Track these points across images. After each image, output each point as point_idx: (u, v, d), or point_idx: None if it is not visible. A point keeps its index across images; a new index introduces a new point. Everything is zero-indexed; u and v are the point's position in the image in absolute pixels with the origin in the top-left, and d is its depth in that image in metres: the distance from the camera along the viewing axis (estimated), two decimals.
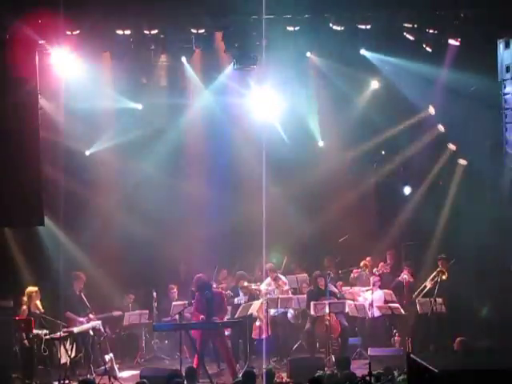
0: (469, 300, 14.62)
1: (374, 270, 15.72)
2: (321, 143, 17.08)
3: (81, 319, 13.94)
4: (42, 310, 13.50)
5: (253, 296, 14.62)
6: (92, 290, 14.71)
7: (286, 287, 15.14)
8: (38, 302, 13.53)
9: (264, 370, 11.69)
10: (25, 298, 13.44)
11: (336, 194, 17.02)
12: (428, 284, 14.62)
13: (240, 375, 11.84)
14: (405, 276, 15.25)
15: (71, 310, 13.98)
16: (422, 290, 14.61)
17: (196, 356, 12.89)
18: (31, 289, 13.60)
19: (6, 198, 11.98)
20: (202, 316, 13.08)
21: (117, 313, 15.12)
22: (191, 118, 16.43)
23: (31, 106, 12.10)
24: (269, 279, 15.11)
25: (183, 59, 14.71)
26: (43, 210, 12.36)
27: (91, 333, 13.73)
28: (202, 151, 16.76)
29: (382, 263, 16.01)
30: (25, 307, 13.38)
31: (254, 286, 14.87)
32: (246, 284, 14.80)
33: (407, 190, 16.95)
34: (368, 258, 16.01)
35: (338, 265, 16.54)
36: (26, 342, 12.96)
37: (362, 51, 14.61)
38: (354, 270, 15.95)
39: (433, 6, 13.47)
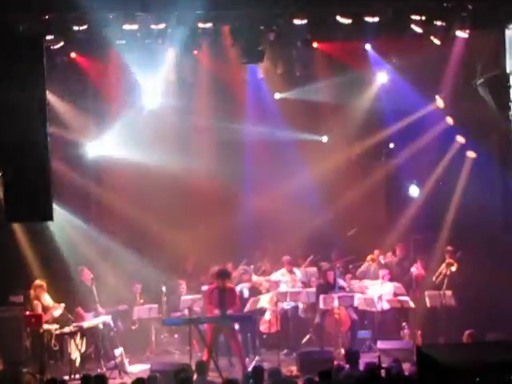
0: (479, 292, 14.62)
1: (381, 257, 15.75)
2: (325, 139, 17.18)
3: (89, 316, 13.96)
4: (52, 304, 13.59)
5: (257, 289, 14.65)
6: (101, 284, 14.75)
7: (299, 284, 15.21)
8: (47, 296, 13.58)
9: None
10: (33, 292, 13.49)
11: (345, 187, 17.01)
12: (439, 274, 14.69)
13: (249, 369, 11.86)
14: (413, 269, 15.25)
15: (82, 305, 14.00)
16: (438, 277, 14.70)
17: (206, 350, 12.90)
18: (39, 282, 13.64)
19: (15, 193, 11.99)
20: (216, 311, 13.08)
21: (122, 306, 15.11)
22: (200, 111, 16.45)
23: (39, 102, 12.11)
24: (284, 270, 15.19)
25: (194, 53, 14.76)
26: (52, 205, 12.37)
27: (101, 327, 13.78)
28: (209, 144, 16.77)
29: (389, 253, 16.04)
30: (36, 302, 13.42)
31: (260, 279, 14.95)
32: (254, 278, 14.84)
33: (415, 191, 16.82)
34: (376, 252, 16.00)
35: (347, 259, 16.54)
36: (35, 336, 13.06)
37: (369, 44, 14.60)
38: (362, 267, 15.95)
39: None
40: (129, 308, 15.17)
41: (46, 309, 13.48)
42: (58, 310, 13.57)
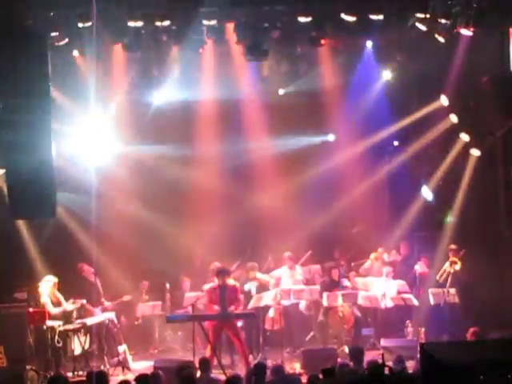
0: (482, 290, 14.62)
1: (385, 255, 15.77)
2: (331, 137, 17.18)
3: (97, 311, 13.97)
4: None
5: (264, 286, 14.65)
6: (105, 281, 14.76)
7: (298, 278, 15.20)
8: (57, 292, 13.58)
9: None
10: (44, 288, 13.47)
11: (348, 184, 17.01)
12: (443, 273, 14.69)
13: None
14: (417, 266, 15.22)
15: (89, 301, 14.01)
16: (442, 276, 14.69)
17: (209, 347, 12.92)
18: (52, 278, 13.61)
19: (18, 190, 12.00)
20: (217, 308, 13.10)
21: (127, 297, 15.07)
22: (203, 109, 16.46)
23: (43, 98, 12.11)
24: (285, 267, 15.19)
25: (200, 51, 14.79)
26: (55, 202, 12.39)
27: (105, 324, 13.78)
28: (214, 142, 16.77)
29: (393, 251, 16.05)
30: (46, 297, 13.40)
31: (267, 278, 14.95)
32: (258, 276, 14.83)
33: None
34: (380, 250, 16.00)
35: (350, 257, 16.53)
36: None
37: (374, 41, 14.59)
38: (365, 265, 15.94)
39: None
40: (133, 301, 15.15)
41: (55, 305, 13.47)
42: (70, 305, 13.55)
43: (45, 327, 13.09)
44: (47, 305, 13.30)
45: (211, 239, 16.30)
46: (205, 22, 13.44)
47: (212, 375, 11.10)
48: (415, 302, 14.48)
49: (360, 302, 14.54)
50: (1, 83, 11.94)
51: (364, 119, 16.59)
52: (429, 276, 15.20)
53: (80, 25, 13.00)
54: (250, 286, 14.66)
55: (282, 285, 14.83)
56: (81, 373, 12.88)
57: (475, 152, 15.93)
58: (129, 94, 15.66)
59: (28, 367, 12.59)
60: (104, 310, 14.19)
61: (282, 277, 15.09)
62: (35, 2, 12.47)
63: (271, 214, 16.84)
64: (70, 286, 14.22)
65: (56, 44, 13.21)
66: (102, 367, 13.12)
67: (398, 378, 9.48)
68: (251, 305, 13.94)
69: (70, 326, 13.25)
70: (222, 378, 11.11)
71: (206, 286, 13.93)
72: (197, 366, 11.11)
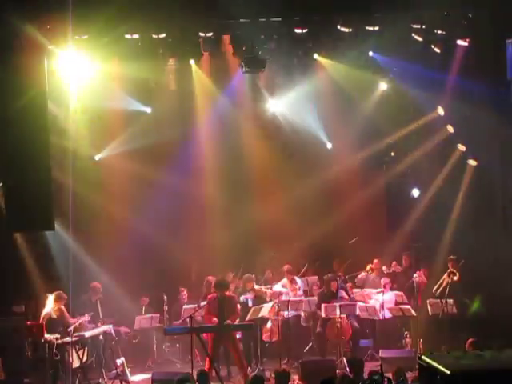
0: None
1: (384, 267, 15.74)
2: (329, 145, 17.14)
3: (89, 326, 13.90)
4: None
5: (261, 298, 14.61)
6: (104, 294, 14.71)
7: (300, 292, 15.16)
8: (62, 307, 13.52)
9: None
10: (55, 302, 13.41)
11: (345, 195, 17.00)
12: (441, 284, 14.68)
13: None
14: (415, 275, 15.19)
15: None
16: (439, 288, 14.67)
17: (207, 359, 12.89)
18: (62, 293, 13.54)
19: (16, 203, 12.00)
20: (215, 319, 13.08)
21: (125, 329, 15.03)
22: (200, 121, 16.48)
23: (40, 111, 12.13)
24: (285, 280, 15.16)
25: (191, 62, 14.83)
26: (53, 215, 12.38)
27: (104, 335, 13.72)
28: (211, 154, 16.77)
29: (394, 262, 16.02)
30: (49, 310, 13.33)
31: (263, 289, 14.92)
32: (256, 287, 14.80)
33: (416, 193, 16.80)
34: (375, 261, 15.97)
35: (347, 268, 16.49)
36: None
37: (370, 53, 14.63)
38: (360, 275, 15.89)
39: (441, 6, 13.44)
40: (132, 314, 15.11)
41: (58, 319, 13.40)
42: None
43: (42, 340, 13.04)
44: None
45: (208, 252, 16.26)
46: (201, 34, 13.49)
47: None
48: (413, 313, 14.46)
49: (358, 313, 14.52)
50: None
51: (361, 129, 16.60)
52: (427, 286, 15.19)
53: (77, 37, 13.04)
54: (247, 298, 14.63)
55: (282, 298, 14.75)
56: None
57: (472, 162, 15.96)
58: (126, 105, 15.68)
59: (26, 381, 12.55)
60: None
61: (282, 291, 15.01)
62: (33, 14, 12.49)
63: (269, 225, 16.83)
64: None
65: (53, 57, 13.24)
66: (100, 380, 13.09)
67: None
68: (249, 316, 13.91)
69: (67, 339, 13.20)
70: None
71: (204, 303, 13.87)
72: (195, 378, 11.08)
